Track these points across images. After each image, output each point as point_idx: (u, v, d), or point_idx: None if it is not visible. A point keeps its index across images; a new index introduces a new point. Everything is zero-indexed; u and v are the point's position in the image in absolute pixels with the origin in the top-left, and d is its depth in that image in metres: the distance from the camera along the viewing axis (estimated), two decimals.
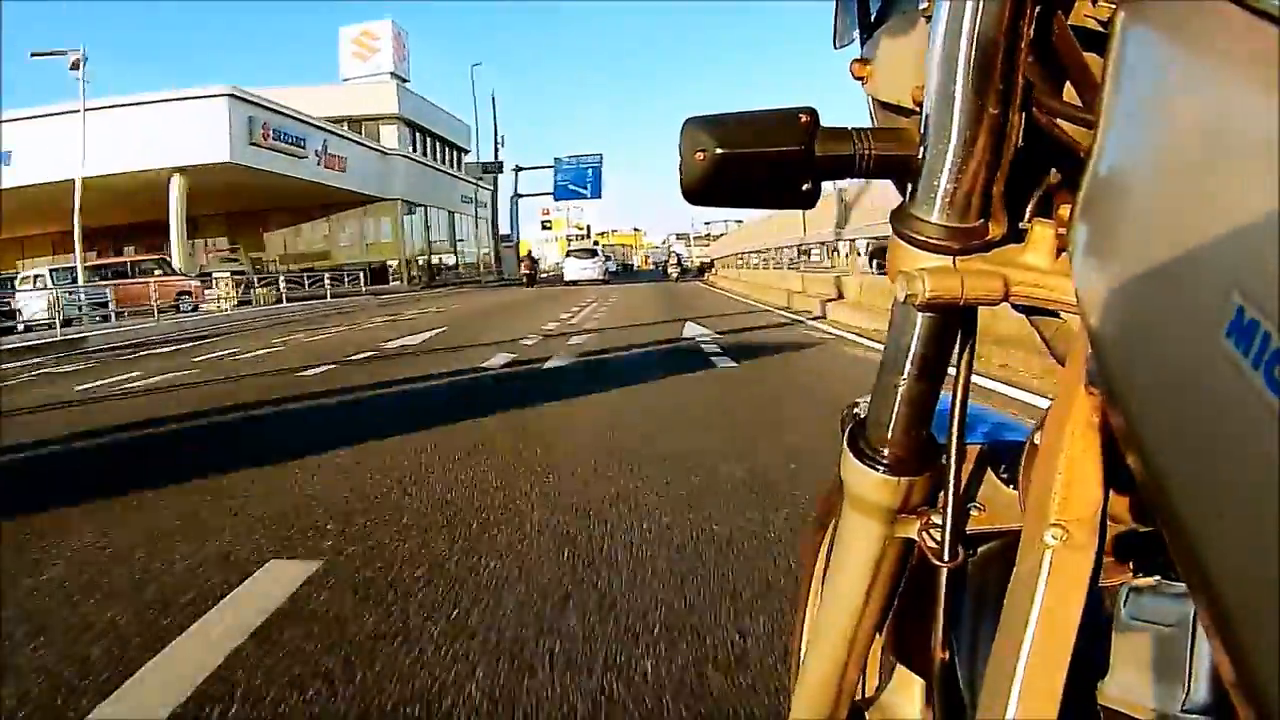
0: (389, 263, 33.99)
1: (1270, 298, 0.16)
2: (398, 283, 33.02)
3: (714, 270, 29.40)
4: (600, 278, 29.41)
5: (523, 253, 35.08)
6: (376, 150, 33.01)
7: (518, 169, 44.77)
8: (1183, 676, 0.35)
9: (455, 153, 42.23)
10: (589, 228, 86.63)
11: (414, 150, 36.28)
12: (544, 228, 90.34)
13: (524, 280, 30.77)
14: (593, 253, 32.01)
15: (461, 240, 41.41)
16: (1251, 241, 0.16)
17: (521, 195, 45.77)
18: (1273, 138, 0.16)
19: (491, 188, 42.85)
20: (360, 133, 33.56)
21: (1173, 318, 0.20)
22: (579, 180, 43.98)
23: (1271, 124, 0.16)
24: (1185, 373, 0.19)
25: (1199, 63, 0.19)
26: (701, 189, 0.39)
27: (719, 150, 0.38)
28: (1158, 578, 0.38)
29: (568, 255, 32.15)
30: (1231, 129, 0.18)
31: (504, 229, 46.60)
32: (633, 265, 77.42)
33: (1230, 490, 0.18)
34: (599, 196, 44.34)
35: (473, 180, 40.65)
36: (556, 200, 45.10)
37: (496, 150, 42.04)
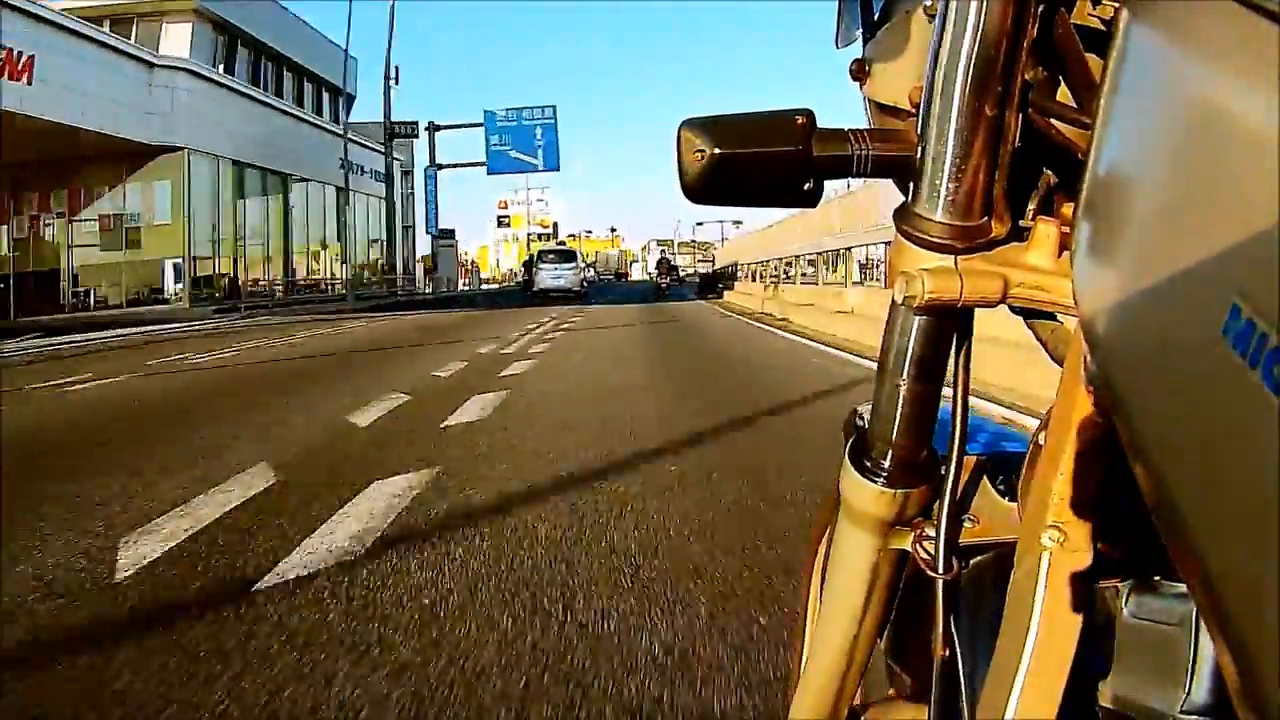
0: (172, 264, 19.48)
1: (1270, 298, 0.16)
2: (173, 302, 18.62)
3: (732, 285, 23.10)
4: (577, 289, 23.94)
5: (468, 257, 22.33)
6: (117, 49, 17.97)
7: (433, 127, 30.36)
8: (1183, 677, 0.35)
9: (325, 94, 27.54)
10: (556, 225, 72.34)
11: (227, 72, 21.59)
12: (500, 224, 75.69)
13: (522, 287, 28.65)
14: (569, 256, 26.01)
15: (386, 241, 27.28)
16: (1251, 242, 0.16)
17: (442, 166, 31.43)
18: (1274, 138, 0.16)
19: (385, 152, 27.85)
20: (132, 36, 19.06)
21: (1172, 318, 0.20)
22: (524, 144, 29.71)
23: (1273, 124, 0.16)
24: (1184, 373, 0.19)
25: (1201, 62, 0.19)
26: (701, 188, 0.39)
27: (716, 150, 0.38)
28: (1158, 578, 0.38)
29: (538, 259, 25.89)
30: (1233, 129, 0.18)
31: (443, 222, 32.54)
32: (625, 275, 63.96)
33: (1230, 490, 0.18)
34: (555, 168, 30.11)
35: (333, 129, 25.67)
36: (491, 173, 30.43)
37: (387, 87, 27.32)
